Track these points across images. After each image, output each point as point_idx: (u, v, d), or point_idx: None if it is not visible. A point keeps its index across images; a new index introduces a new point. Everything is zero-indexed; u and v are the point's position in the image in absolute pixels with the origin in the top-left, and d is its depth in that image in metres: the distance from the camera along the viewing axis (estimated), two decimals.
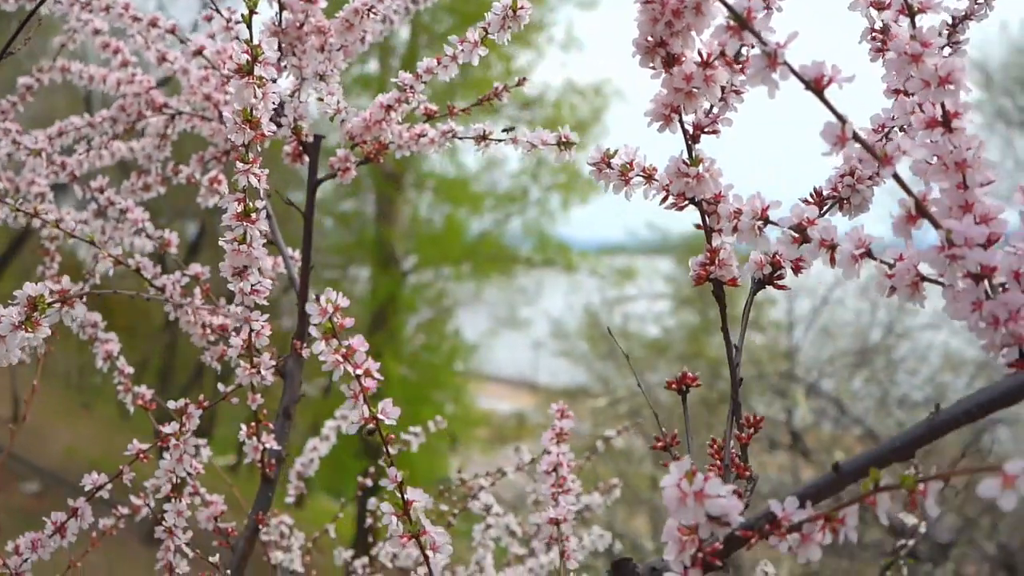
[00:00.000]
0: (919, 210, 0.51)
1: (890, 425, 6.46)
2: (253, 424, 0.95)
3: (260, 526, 0.98)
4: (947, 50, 0.72)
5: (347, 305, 0.61)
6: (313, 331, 0.60)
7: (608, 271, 10.78)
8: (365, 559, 1.28)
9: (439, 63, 0.89)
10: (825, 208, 0.68)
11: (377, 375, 0.61)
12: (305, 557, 1.27)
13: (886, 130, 0.69)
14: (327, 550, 1.47)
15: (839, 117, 0.50)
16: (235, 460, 5.24)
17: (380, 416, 0.62)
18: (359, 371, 0.61)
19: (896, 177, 0.50)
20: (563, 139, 0.85)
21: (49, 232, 1.25)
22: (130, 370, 1.09)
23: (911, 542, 1.07)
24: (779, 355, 7.18)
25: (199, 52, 1.05)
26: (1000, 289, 0.51)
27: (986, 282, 0.51)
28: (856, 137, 0.50)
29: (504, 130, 0.95)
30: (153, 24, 1.09)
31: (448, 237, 11.01)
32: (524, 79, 0.98)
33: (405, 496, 0.64)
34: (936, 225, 0.50)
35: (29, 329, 0.67)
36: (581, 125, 9.68)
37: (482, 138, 0.94)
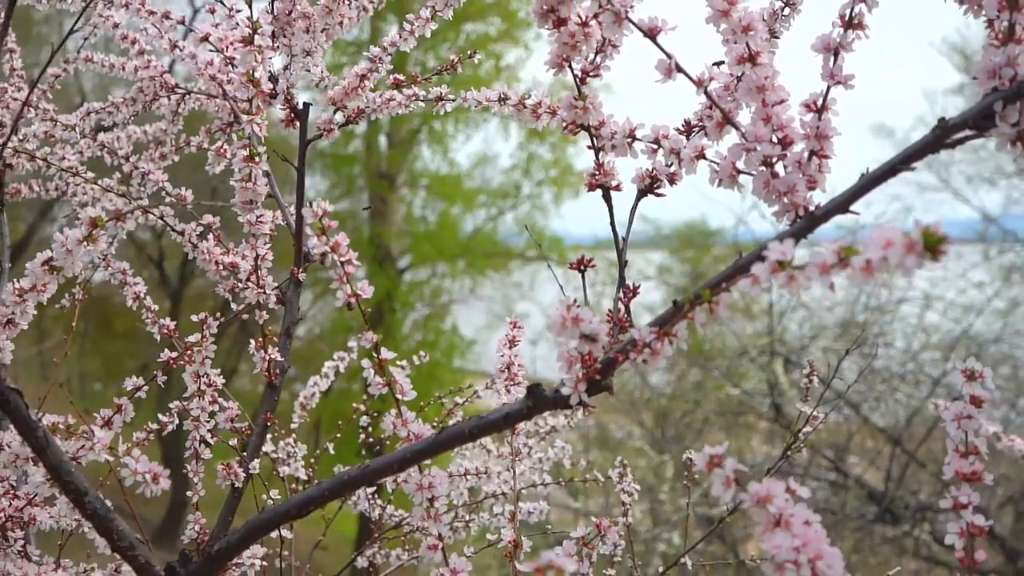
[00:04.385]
0: (725, 119, 0.73)
1: (869, 397, 6.70)
2: (261, 339, 1.17)
3: (268, 424, 1.19)
4: (787, 9, 0.93)
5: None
6: (308, 230, 0.82)
7: (602, 264, 10.98)
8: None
9: (400, 37, 1.11)
10: (693, 133, 0.90)
11: (356, 263, 0.83)
12: (307, 470, 1.49)
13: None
14: (332, 548, 1.67)
15: (667, 55, 0.72)
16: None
17: (359, 292, 0.83)
18: (343, 259, 0.82)
19: (707, 94, 0.72)
20: (502, 96, 1.06)
21: (80, 199, 1.47)
22: (155, 307, 1.31)
23: (807, 429, 1.29)
24: (764, 334, 7.41)
25: (205, 39, 1.26)
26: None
27: (777, 168, 0.73)
28: (679, 68, 0.72)
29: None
30: (166, 17, 1.30)
31: (442, 234, 11.21)
32: (475, 52, 1.20)
33: (380, 355, 0.86)
34: (736, 128, 0.72)
35: (90, 243, 0.89)
36: None
37: (439, 99, 1.15)
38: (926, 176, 8.68)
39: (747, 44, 0.74)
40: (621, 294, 0.84)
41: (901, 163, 0.67)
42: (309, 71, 1.14)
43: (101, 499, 0.80)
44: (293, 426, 1.55)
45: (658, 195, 0.90)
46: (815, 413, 1.28)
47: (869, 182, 0.68)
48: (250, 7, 0.92)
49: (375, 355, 0.85)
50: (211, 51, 1.28)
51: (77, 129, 1.34)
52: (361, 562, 1.61)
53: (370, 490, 1.62)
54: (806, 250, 0.74)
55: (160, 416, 1.35)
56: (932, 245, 0.49)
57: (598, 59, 0.82)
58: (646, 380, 8.73)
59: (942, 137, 0.66)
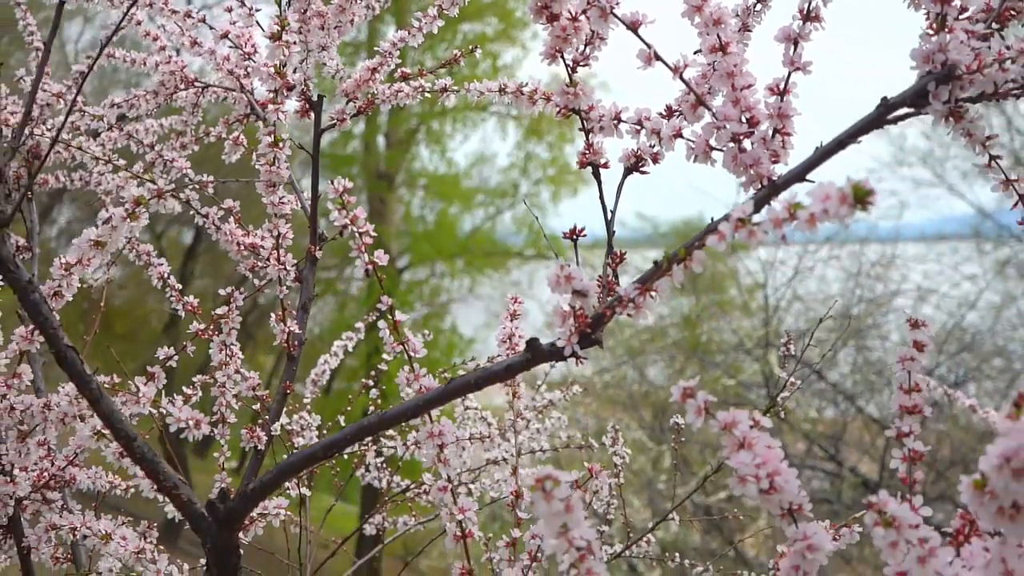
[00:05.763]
0: (698, 101, 0.83)
1: (862, 388, 6.82)
2: (280, 312, 1.27)
3: (287, 392, 1.29)
4: (759, 6, 1.03)
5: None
6: (329, 205, 0.91)
7: (599, 263, 11.07)
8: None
9: (409, 33, 1.21)
10: (674, 117, 1.00)
11: (373, 233, 0.93)
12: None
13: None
14: (331, 546, 1.78)
15: (647, 45, 0.82)
16: (238, 464, 5.71)
17: (376, 260, 0.93)
18: (361, 231, 0.92)
19: (683, 79, 0.82)
20: (502, 86, 1.16)
21: (105, 187, 1.57)
22: (179, 286, 1.40)
23: (785, 394, 1.39)
24: (760, 328, 7.53)
25: (225, 35, 1.36)
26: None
27: (745, 144, 0.83)
28: (657, 57, 0.82)
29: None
30: (188, 15, 1.40)
31: (441, 234, 11.32)
32: (476, 47, 1.30)
33: (395, 317, 0.96)
34: (708, 108, 0.82)
35: (133, 220, 0.99)
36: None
37: (443, 90, 1.25)
38: (921, 172, 8.79)
39: (718, 35, 0.84)
40: (609, 259, 0.94)
41: (848, 138, 0.77)
42: (325, 64, 1.23)
43: (148, 445, 0.90)
44: (306, 401, 1.66)
45: (643, 172, 1.00)
46: (792, 380, 1.38)
47: (822, 154, 0.78)
48: (279, 5, 1.02)
49: (391, 317, 0.95)
50: (229, 47, 1.38)
51: (104, 120, 1.44)
52: (369, 529, 1.71)
53: (378, 459, 1.72)
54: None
55: (185, 389, 1.45)
56: (861, 197, 0.59)
57: (587, 50, 0.92)
58: (644, 375, 8.84)
59: (884, 114, 0.76)
